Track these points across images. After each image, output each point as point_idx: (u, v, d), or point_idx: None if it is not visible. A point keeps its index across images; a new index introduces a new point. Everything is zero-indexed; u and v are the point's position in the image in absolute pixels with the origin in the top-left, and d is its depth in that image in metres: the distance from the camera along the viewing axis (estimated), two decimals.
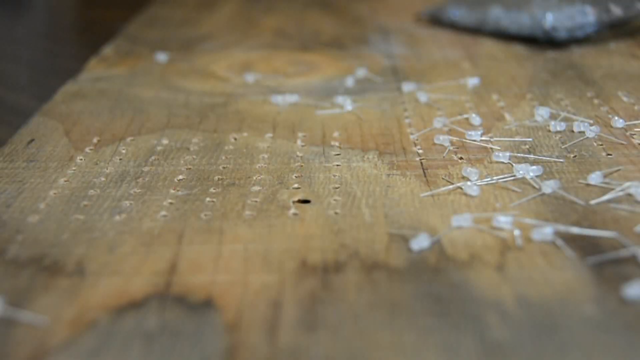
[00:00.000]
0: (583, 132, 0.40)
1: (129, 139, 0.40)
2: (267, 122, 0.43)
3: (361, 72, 0.51)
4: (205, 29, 0.65)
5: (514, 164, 0.36)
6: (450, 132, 0.40)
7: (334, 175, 0.36)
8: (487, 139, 0.39)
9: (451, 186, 0.34)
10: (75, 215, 0.32)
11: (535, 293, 0.26)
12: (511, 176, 0.35)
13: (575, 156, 0.37)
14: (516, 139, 0.39)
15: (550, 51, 0.55)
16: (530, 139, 0.39)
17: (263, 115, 0.44)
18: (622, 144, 0.38)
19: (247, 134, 0.41)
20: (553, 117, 0.42)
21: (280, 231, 0.31)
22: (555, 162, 0.37)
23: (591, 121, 0.41)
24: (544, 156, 0.37)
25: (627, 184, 0.33)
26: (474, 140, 0.39)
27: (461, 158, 0.37)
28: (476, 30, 0.61)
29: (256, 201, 0.33)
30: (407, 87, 0.48)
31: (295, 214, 0.32)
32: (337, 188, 0.34)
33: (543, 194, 0.33)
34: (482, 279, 0.27)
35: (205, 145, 0.40)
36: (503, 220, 0.31)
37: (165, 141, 0.40)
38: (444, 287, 0.27)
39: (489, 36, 0.59)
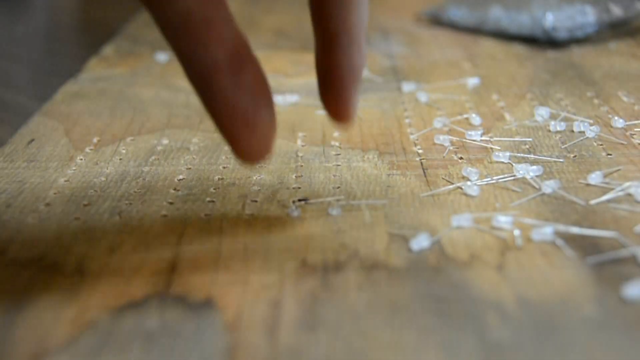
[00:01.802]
0: (583, 132, 0.40)
1: (129, 139, 0.40)
2: None
3: None
4: None
5: (514, 164, 0.36)
6: (450, 132, 0.40)
7: (334, 175, 0.36)
8: (487, 139, 0.39)
9: (451, 186, 0.34)
10: (75, 215, 0.32)
11: (535, 293, 0.26)
12: (511, 176, 0.35)
13: (575, 156, 0.37)
14: (516, 139, 0.39)
15: (550, 51, 0.55)
16: (530, 139, 0.39)
17: None
18: (622, 144, 0.38)
19: None
20: (553, 117, 0.42)
21: (280, 231, 0.31)
22: (555, 162, 0.37)
23: (591, 121, 0.41)
24: (544, 156, 0.37)
25: (627, 184, 0.33)
26: (474, 140, 0.39)
27: (461, 158, 0.37)
28: (476, 30, 0.61)
29: (256, 201, 0.33)
30: (407, 87, 0.48)
31: (295, 214, 0.32)
32: (337, 188, 0.34)
33: (543, 194, 0.33)
34: (482, 279, 0.27)
35: (205, 145, 0.40)
36: (503, 220, 0.31)
37: (165, 141, 0.40)
38: (444, 287, 0.27)
39: (489, 36, 0.59)
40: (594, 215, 0.31)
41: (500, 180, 0.35)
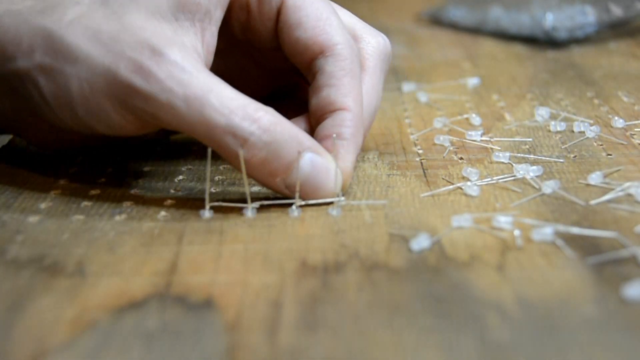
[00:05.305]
0: (583, 132, 0.40)
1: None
2: None
3: None
4: None
5: (514, 164, 0.36)
6: (451, 132, 0.40)
7: None
8: (487, 139, 0.39)
9: (451, 186, 0.34)
10: (76, 215, 0.32)
11: (535, 293, 0.26)
12: (511, 176, 0.35)
13: (575, 156, 0.37)
14: (516, 139, 0.39)
15: (550, 51, 0.55)
16: (530, 139, 0.39)
17: None
18: (622, 144, 0.38)
19: None
20: (553, 117, 0.42)
21: (280, 231, 0.31)
22: (555, 162, 0.37)
23: (591, 121, 0.41)
24: (544, 156, 0.37)
25: (627, 184, 0.33)
26: (474, 140, 0.39)
27: (461, 158, 0.37)
28: (476, 30, 0.61)
29: (256, 201, 0.33)
30: (407, 87, 0.48)
31: (295, 214, 0.32)
32: None
33: (543, 194, 0.33)
34: (482, 279, 0.27)
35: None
36: (503, 220, 0.31)
37: (165, 141, 0.40)
38: (444, 287, 0.27)
39: (489, 36, 0.59)
40: (594, 215, 0.31)
41: (501, 180, 0.35)
